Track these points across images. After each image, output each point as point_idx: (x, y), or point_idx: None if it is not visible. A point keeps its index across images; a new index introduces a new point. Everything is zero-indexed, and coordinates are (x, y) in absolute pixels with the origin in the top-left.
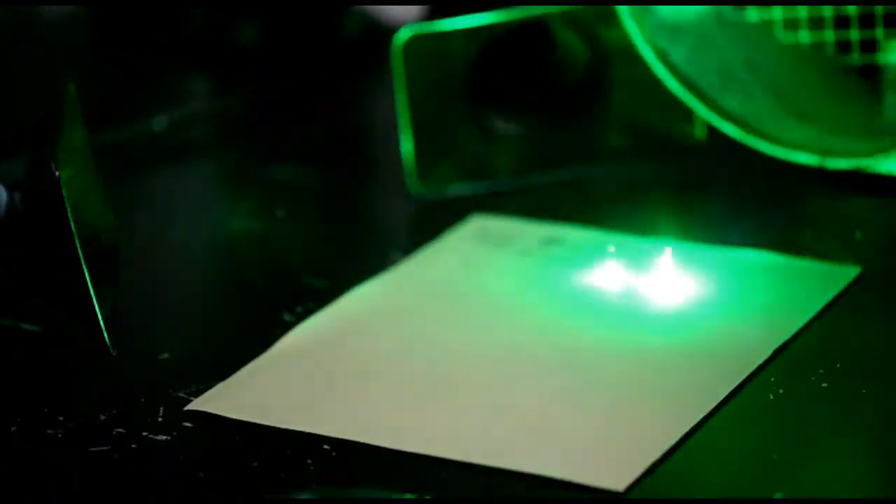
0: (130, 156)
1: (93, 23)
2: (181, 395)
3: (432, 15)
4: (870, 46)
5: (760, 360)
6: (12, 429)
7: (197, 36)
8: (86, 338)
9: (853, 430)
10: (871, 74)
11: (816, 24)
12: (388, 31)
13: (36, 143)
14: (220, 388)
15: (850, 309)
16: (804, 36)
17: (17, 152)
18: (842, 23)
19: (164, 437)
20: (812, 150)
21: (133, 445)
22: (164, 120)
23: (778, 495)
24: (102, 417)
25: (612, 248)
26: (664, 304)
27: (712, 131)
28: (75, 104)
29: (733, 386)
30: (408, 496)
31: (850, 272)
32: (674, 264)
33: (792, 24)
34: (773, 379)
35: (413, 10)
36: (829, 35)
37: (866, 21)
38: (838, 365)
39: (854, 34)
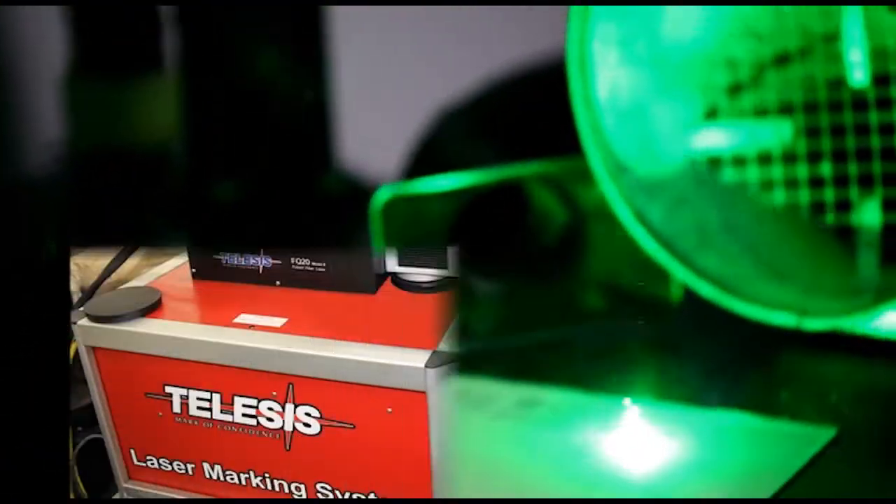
0: None
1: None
2: None
3: (411, 175)
4: (844, 206)
5: None
6: None
7: (174, 195)
8: None
9: None
10: (847, 234)
11: (791, 184)
12: (367, 191)
13: None
14: None
15: (827, 470)
16: (779, 196)
17: None
18: (816, 183)
19: None
20: (789, 310)
21: None
22: None
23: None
24: None
25: (589, 411)
26: (641, 466)
27: (689, 290)
28: None
29: None
30: None
31: (826, 433)
32: (651, 425)
33: (767, 185)
34: None
35: (391, 171)
36: (805, 195)
37: (840, 181)
38: None
39: (829, 195)
